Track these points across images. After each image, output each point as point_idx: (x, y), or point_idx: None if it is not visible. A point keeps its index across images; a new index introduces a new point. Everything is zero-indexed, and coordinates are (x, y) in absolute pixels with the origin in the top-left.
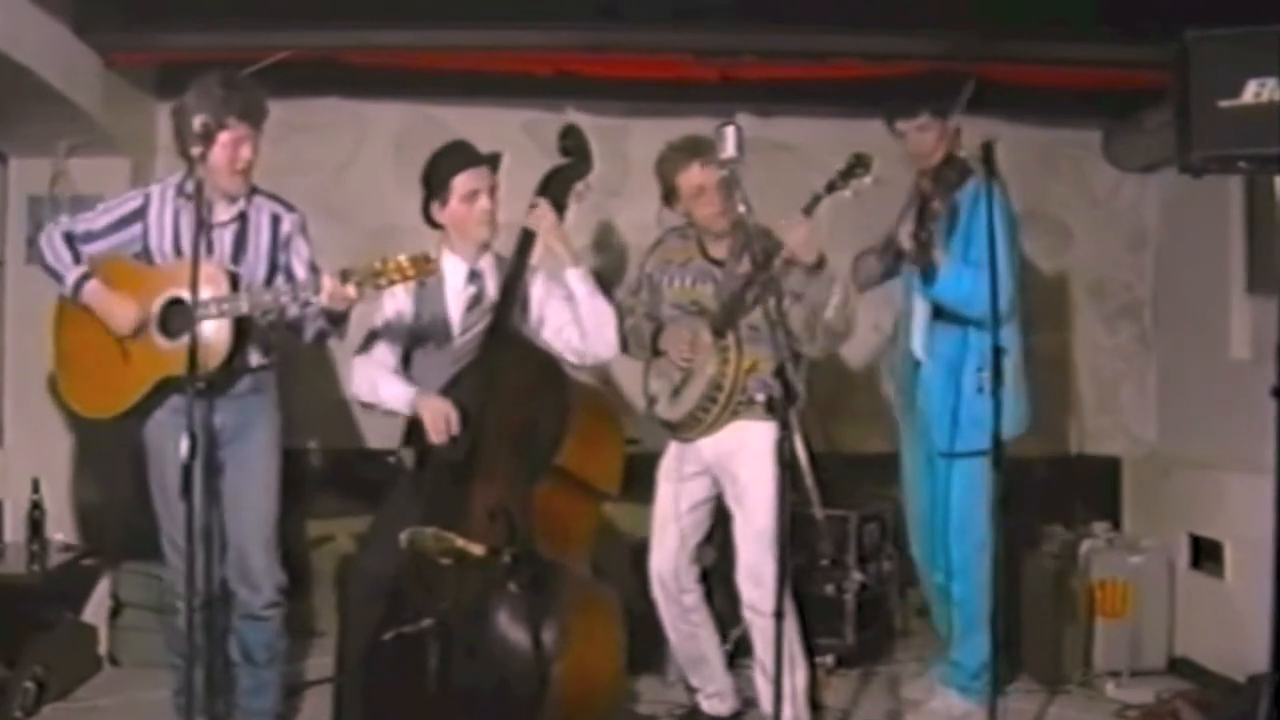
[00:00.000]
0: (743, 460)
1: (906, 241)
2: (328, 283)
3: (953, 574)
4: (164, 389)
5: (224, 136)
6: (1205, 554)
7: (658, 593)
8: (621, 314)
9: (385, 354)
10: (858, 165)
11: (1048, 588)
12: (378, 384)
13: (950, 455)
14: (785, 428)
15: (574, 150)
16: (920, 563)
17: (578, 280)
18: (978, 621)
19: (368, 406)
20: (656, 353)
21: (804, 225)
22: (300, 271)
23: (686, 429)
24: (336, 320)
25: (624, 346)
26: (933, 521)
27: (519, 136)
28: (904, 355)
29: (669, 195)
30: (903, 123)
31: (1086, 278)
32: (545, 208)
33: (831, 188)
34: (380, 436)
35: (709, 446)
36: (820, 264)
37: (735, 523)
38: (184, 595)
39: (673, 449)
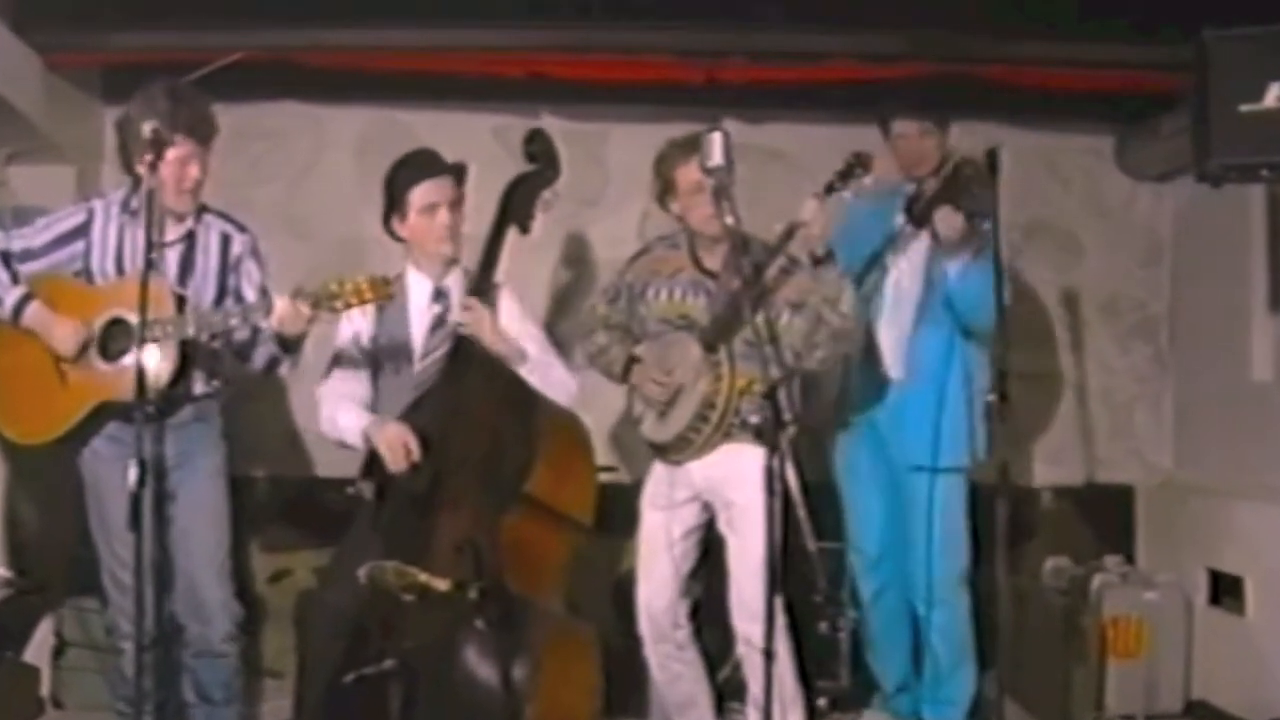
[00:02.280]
0: (737, 485)
1: (951, 230)
2: (280, 304)
3: (934, 601)
4: (102, 414)
5: (169, 154)
6: (1225, 589)
7: (646, 629)
8: (593, 326)
9: (349, 380)
10: (857, 165)
11: (1056, 626)
12: (336, 415)
13: (934, 470)
14: (775, 454)
15: (540, 156)
16: (867, 594)
17: (529, 373)
18: (965, 652)
19: (339, 443)
20: (626, 383)
21: (822, 210)
22: (250, 295)
23: (675, 451)
24: (289, 346)
25: (590, 362)
26: (905, 546)
27: (489, 142)
28: (855, 374)
29: (664, 194)
30: (905, 124)
31: (1098, 294)
32: (479, 309)
33: (830, 189)
34: (338, 464)
35: (699, 470)
36: (829, 255)
37: (729, 551)
38: (130, 635)
39: (659, 473)
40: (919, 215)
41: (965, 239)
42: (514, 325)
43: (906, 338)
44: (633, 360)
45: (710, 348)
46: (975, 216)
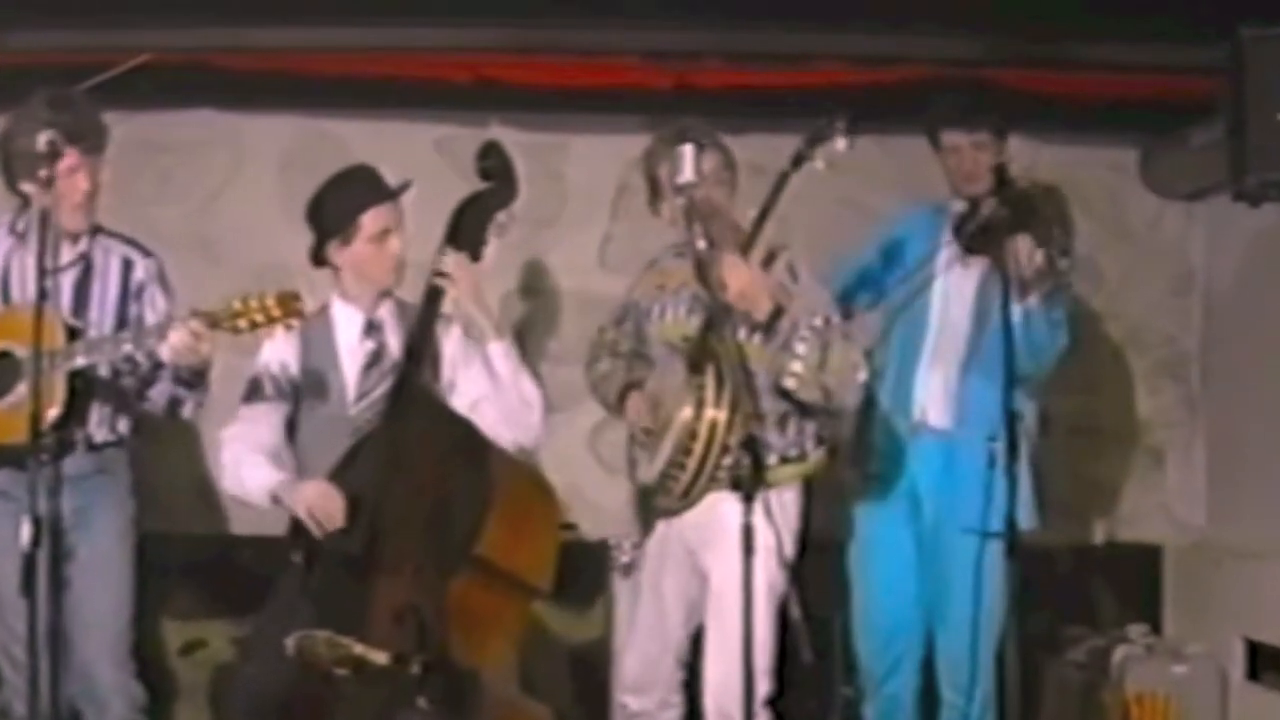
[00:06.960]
0: (720, 551)
1: (1026, 265)
2: (175, 329)
3: (970, 689)
4: None
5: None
6: (1265, 663)
7: (631, 704)
8: (597, 353)
9: (259, 425)
10: (826, 125)
11: (1074, 702)
12: (241, 468)
13: (986, 535)
14: (752, 507)
15: (495, 173)
16: (875, 672)
17: (500, 357)
18: None
19: (239, 498)
20: (622, 414)
21: (743, 267)
22: None
23: (661, 495)
24: (190, 381)
25: (592, 392)
26: (925, 622)
27: (431, 156)
28: (886, 420)
29: (656, 199)
30: (955, 135)
31: (1121, 327)
32: (459, 264)
33: (799, 160)
34: (258, 520)
35: (691, 527)
36: (776, 316)
37: (706, 643)
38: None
39: (660, 528)
40: (978, 242)
41: (1040, 276)
42: (462, 360)
43: (955, 381)
44: (630, 387)
45: (695, 368)
46: (1050, 250)
